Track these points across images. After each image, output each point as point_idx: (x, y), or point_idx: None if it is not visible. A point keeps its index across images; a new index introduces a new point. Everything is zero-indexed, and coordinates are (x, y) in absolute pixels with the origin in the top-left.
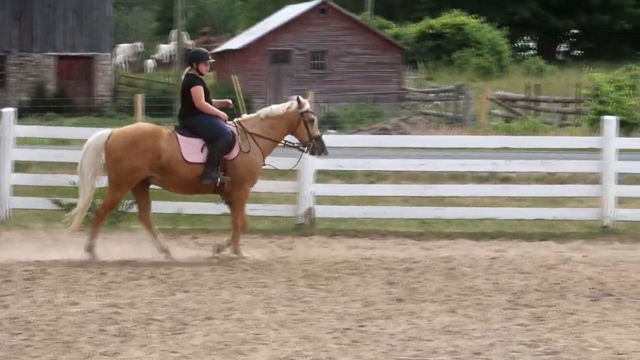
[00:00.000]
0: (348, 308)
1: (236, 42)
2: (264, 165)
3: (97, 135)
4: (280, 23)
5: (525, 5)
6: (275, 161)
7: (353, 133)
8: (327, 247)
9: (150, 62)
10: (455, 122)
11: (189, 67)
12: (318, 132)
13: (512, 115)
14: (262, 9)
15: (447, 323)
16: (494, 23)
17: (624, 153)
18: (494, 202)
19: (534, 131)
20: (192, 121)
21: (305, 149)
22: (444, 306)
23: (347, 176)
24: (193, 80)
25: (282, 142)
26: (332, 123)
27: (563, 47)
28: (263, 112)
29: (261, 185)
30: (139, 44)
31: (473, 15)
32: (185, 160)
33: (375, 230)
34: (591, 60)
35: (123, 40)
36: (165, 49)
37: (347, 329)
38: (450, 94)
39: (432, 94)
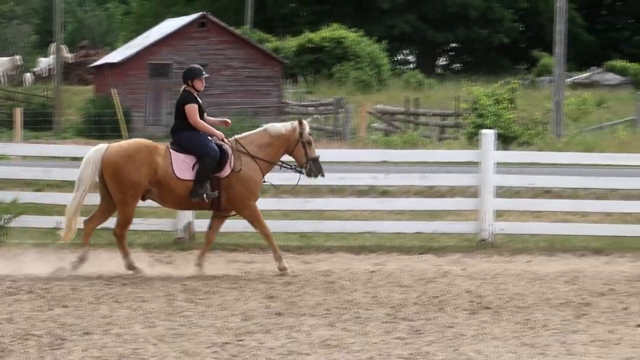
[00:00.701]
0: (227, 322)
1: (115, 56)
2: (263, 182)
3: (95, 149)
4: (160, 36)
5: (404, 19)
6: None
7: None
8: (206, 261)
9: (28, 76)
10: (335, 136)
11: (185, 84)
12: (315, 154)
13: (391, 128)
14: (142, 23)
15: (326, 337)
16: (373, 37)
17: (502, 166)
18: (374, 215)
19: (413, 145)
20: (181, 137)
21: (302, 170)
22: (323, 320)
23: None
24: (187, 97)
25: (279, 163)
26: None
27: (442, 61)
28: (261, 130)
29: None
30: (17, 57)
31: (352, 29)
32: (177, 177)
33: (255, 244)
34: (470, 74)
35: (2, 53)
36: (44, 62)
37: (226, 343)
38: (329, 107)
39: (312, 108)
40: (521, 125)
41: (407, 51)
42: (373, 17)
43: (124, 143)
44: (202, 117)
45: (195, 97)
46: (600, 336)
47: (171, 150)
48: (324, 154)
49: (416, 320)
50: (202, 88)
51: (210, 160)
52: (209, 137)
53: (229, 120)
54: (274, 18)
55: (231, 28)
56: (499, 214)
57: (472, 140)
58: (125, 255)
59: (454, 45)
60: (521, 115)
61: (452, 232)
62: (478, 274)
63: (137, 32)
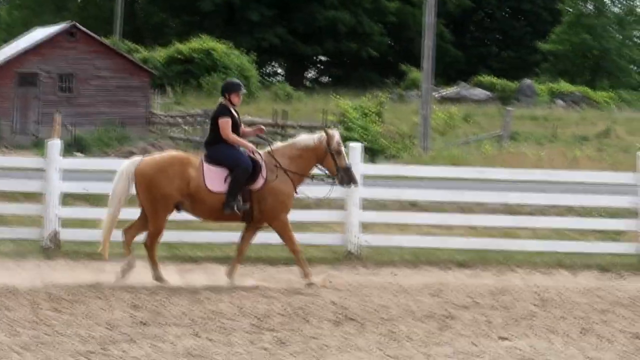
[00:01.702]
0: (92, 331)
1: None
2: (296, 194)
3: (128, 162)
4: (29, 45)
5: (274, 32)
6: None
7: (100, 157)
8: (72, 270)
9: None
10: (203, 147)
11: (222, 97)
12: (346, 164)
13: (259, 140)
14: (11, 32)
15: (191, 347)
16: (242, 49)
17: (368, 179)
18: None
19: None
20: (214, 150)
21: (334, 180)
22: (188, 330)
23: (94, 199)
24: (222, 111)
25: (310, 176)
26: (79, 146)
27: (311, 74)
28: (293, 141)
29: (5, 208)
30: None
31: (222, 41)
32: (208, 189)
33: (121, 254)
34: (339, 87)
35: None
36: None
37: (91, 352)
38: (198, 118)
39: (180, 118)
40: (388, 138)
41: (276, 64)
42: (243, 29)
43: (157, 156)
44: (237, 131)
45: (230, 111)
46: (463, 348)
47: (204, 162)
48: None
49: (281, 331)
50: (239, 102)
51: (242, 173)
52: (241, 150)
53: (263, 127)
54: (143, 28)
55: (100, 38)
56: (365, 227)
57: None
58: (154, 267)
59: (323, 58)
60: (389, 128)
61: (319, 244)
62: (343, 285)
63: (6, 41)
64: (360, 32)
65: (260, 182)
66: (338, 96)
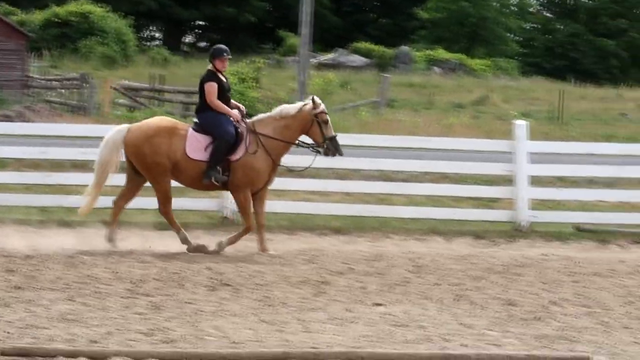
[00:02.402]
0: None
1: None
2: (278, 165)
3: (115, 130)
4: None
5: None
6: None
7: None
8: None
9: None
10: (79, 111)
11: (210, 64)
12: (332, 133)
13: (136, 105)
14: None
15: (65, 311)
16: (120, 12)
17: None
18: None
19: None
20: (201, 117)
21: (320, 150)
22: (63, 294)
23: None
24: (207, 76)
25: (296, 143)
26: None
27: (189, 39)
28: (276, 111)
29: None
30: None
31: (99, 5)
32: (188, 156)
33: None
34: None
35: None
36: None
37: None
38: (74, 82)
39: (57, 82)
40: (266, 104)
41: (154, 28)
42: None
43: (143, 124)
44: (224, 97)
45: (216, 77)
46: (337, 314)
47: (190, 129)
48: (67, 128)
49: (156, 296)
50: (224, 68)
51: (224, 144)
52: (228, 119)
53: (242, 107)
54: None
55: None
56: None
57: None
58: (177, 230)
59: (201, 23)
60: (266, 94)
61: (196, 209)
62: (219, 251)
63: None
64: None
65: (240, 153)
66: None
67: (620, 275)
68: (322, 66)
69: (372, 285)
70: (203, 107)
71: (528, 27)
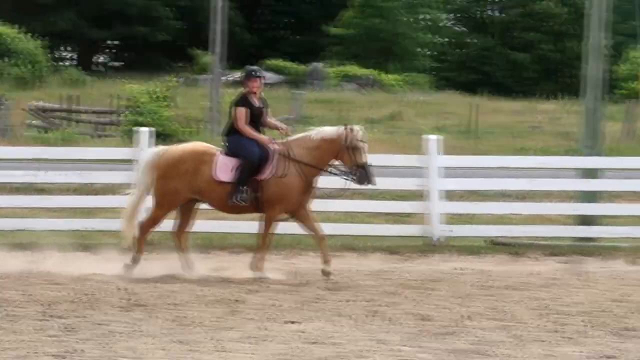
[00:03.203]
0: None
1: None
2: (313, 186)
3: (151, 152)
4: None
5: (64, 16)
6: None
7: None
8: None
9: None
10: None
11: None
12: (364, 160)
13: (49, 126)
14: None
15: None
16: (34, 33)
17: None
18: (31, 213)
19: (70, 142)
20: (228, 140)
21: (350, 177)
22: None
23: None
24: (238, 100)
25: (324, 168)
26: None
27: (102, 58)
28: (313, 132)
29: None
30: None
31: (11, 25)
32: (215, 179)
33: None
34: (130, 72)
35: None
36: None
37: None
38: None
39: None
40: (179, 122)
41: (68, 48)
42: (32, 13)
43: (172, 148)
44: (258, 120)
45: (247, 101)
46: (251, 333)
47: (219, 153)
48: None
49: (69, 318)
50: (255, 88)
51: (249, 165)
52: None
53: (284, 127)
54: None
55: None
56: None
57: (129, 137)
58: (139, 251)
59: (114, 42)
60: (179, 113)
61: (107, 230)
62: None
63: None
64: (150, 15)
65: (266, 173)
66: (127, 80)
67: (533, 288)
68: (235, 84)
69: (286, 302)
70: (231, 130)
71: (440, 42)
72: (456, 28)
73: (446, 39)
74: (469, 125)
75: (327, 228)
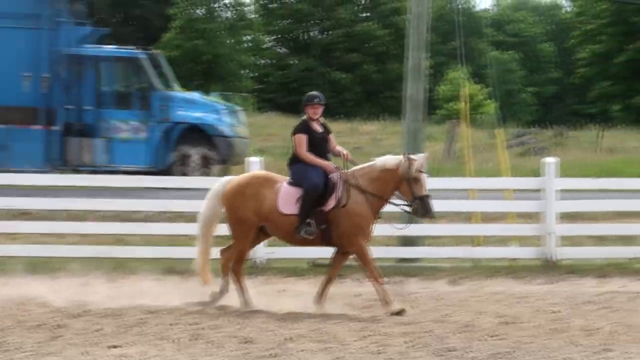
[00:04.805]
0: None
1: None
2: (378, 217)
3: (218, 182)
4: None
5: None
6: None
7: None
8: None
9: None
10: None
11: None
12: (423, 193)
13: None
14: None
15: None
16: None
17: None
18: None
19: None
20: (292, 169)
21: (409, 208)
22: None
23: None
24: (298, 127)
25: (386, 198)
26: None
27: None
28: (377, 162)
29: None
30: None
31: None
32: (279, 212)
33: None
34: None
35: None
36: None
37: None
38: None
39: None
40: None
41: None
42: None
43: (242, 177)
44: (321, 146)
45: (307, 127)
46: (73, 357)
47: (285, 184)
48: None
49: None
50: (315, 115)
51: (309, 195)
52: (318, 169)
53: (346, 152)
54: None
55: None
56: None
57: None
58: (241, 291)
59: None
60: None
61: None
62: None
63: None
64: None
65: (331, 204)
66: None
67: (355, 309)
68: None
69: (108, 327)
70: (294, 159)
71: (262, 63)
72: (279, 49)
73: (268, 61)
74: (291, 147)
75: (148, 251)
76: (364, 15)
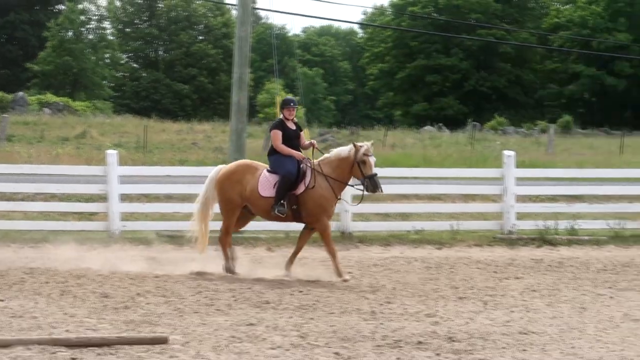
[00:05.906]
0: None
1: None
2: (338, 199)
3: (215, 169)
4: None
5: None
6: None
7: None
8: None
9: None
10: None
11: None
12: (371, 172)
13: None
14: None
15: None
16: None
17: None
18: None
19: None
20: (270, 159)
21: (361, 187)
22: None
23: None
24: (274, 124)
25: (345, 182)
26: None
27: None
28: (334, 153)
29: None
30: None
31: None
32: (259, 194)
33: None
34: None
35: None
36: None
37: None
38: None
39: None
40: None
41: None
42: None
43: (230, 165)
44: (294, 141)
45: (282, 125)
46: None
47: (265, 171)
48: None
49: None
50: (290, 116)
51: (286, 181)
52: (292, 159)
53: (314, 142)
54: None
55: None
56: None
57: None
58: (226, 259)
59: None
60: None
61: None
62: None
63: None
64: None
65: (301, 188)
66: None
67: (191, 267)
68: None
69: None
70: (272, 151)
71: (119, 75)
72: (132, 64)
73: (124, 74)
74: (141, 142)
75: (27, 225)
76: (200, 38)
